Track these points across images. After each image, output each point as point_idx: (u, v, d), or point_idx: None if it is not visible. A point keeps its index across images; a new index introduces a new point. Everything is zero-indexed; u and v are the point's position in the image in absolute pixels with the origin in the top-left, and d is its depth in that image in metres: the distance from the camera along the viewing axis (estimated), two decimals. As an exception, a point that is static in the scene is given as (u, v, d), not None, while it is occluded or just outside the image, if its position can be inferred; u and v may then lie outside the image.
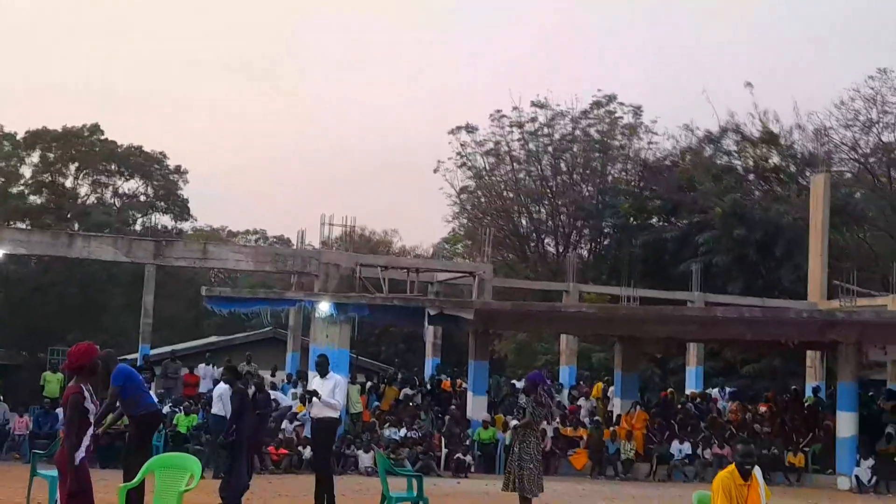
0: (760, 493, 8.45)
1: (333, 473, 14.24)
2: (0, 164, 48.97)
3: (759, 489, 8.46)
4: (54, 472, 11.57)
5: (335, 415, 14.44)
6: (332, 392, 15.90)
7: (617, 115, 50.78)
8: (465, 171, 52.31)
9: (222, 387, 18.11)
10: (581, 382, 32.73)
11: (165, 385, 25.81)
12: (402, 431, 24.68)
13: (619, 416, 27.34)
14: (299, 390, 24.91)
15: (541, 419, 12.57)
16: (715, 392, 31.51)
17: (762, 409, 29.46)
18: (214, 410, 18.17)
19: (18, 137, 50.03)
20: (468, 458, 24.32)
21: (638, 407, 27.13)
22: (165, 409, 22.12)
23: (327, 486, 13.70)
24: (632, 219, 46.34)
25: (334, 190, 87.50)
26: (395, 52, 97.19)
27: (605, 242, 49.60)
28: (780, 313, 28.85)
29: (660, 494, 20.91)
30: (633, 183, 50.16)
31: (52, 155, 49.42)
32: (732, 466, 8.56)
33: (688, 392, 32.47)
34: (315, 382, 14.54)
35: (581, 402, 29.51)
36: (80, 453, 8.11)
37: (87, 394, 8.20)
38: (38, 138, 49.54)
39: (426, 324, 28.45)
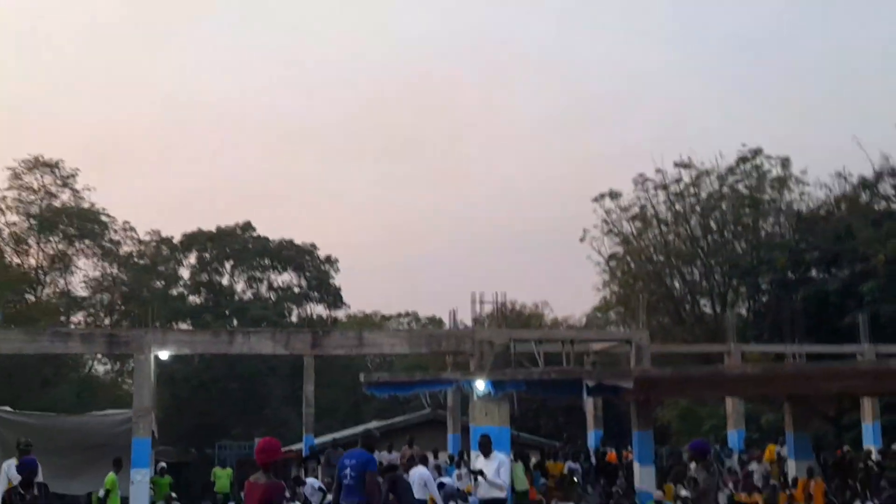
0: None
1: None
2: (160, 268, 50.91)
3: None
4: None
5: (502, 495, 14.24)
6: (496, 471, 15.76)
7: (764, 168, 49.68)
8: (612, 237, 51.84)
9: (421, 471, 18.05)
10: (751, 446, 31.61)
11: (329, 473, 25.94)
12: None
13: (794, 478, 26.21)
14: (464, 471, 24.73)
15: (714, 487, 12.05)
16: (898, 448, 29.98)
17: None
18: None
19: (175, 241, 52.10)
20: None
21: (816, 475, 25.92)
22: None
23: None
24: (790, 273, 44.92)
25: (483, 267, 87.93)
26: (535, 124, 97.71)
27: (764, 299, 48.11)
28: (959, 360, 27.34)
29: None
30: (787, 236, 48.73)
31: (207, 255, 51.15)
32: None
33: (866, 449, 30.98)
34: (479, 462, 14.37)
35: (753, 465, 28.40)
36: None
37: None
38: (193, 240, 51.50)
39: (584, 396, 28.01)
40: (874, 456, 29.46)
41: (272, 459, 8.40)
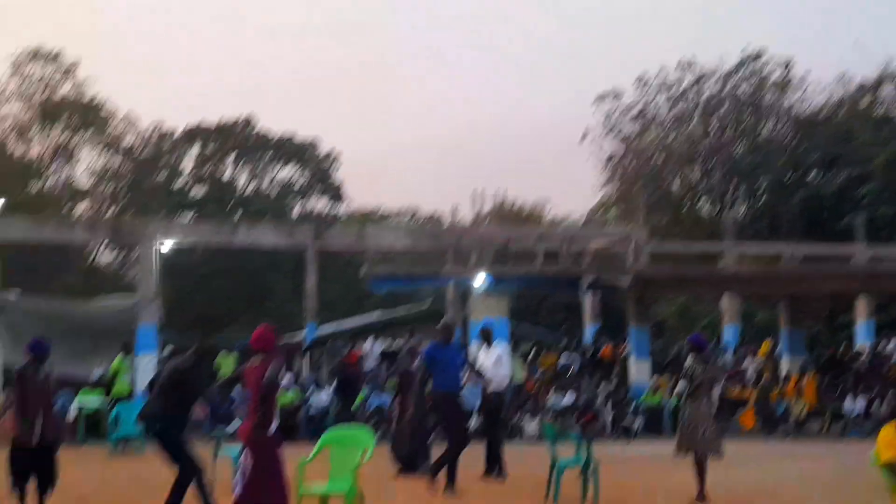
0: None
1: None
2: (163, 160, 50.99)
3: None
4: (235, 451, 12.08)
5: (501, 386, 14.71)
6: (496, 362, 16.25)
7: (766, 70, 49.38)
8: (613, 137, 51.80)
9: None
10: (745, 343, 32.14)
11: (331, 363, 26.51)
12: (567, 398, 24.79)
13: (787, 374, 26.83)
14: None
15: (709, 381, 12.41)
16: (892, 344, 30.54)
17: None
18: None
19: (178, 134, 52.07)
20: (635, 423, 24.31)
21: (808, 371, 26.50)
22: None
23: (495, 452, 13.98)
24: (788, 175, 45.08)
25: (484, 165, 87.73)
26: (533, 20, 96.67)
27: (762, 201, 48.35)
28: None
29: (835, 451, 20.46)
30: (787, 139, 48.74)
31: (210, 148, 51.15)
32: None
33: (858, 347, 31.56)
34: (480, 354, 14.77)
35: (747, 362, 29.00)
36: (273, 426, 8.37)
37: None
38: (196, 133, 51.41)
39: (582, 292, 28.49)
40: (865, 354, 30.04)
41: (269, 347, 8.63)
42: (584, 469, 12.21)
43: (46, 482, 10.48)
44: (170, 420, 9.44)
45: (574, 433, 20.97)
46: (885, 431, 8.32)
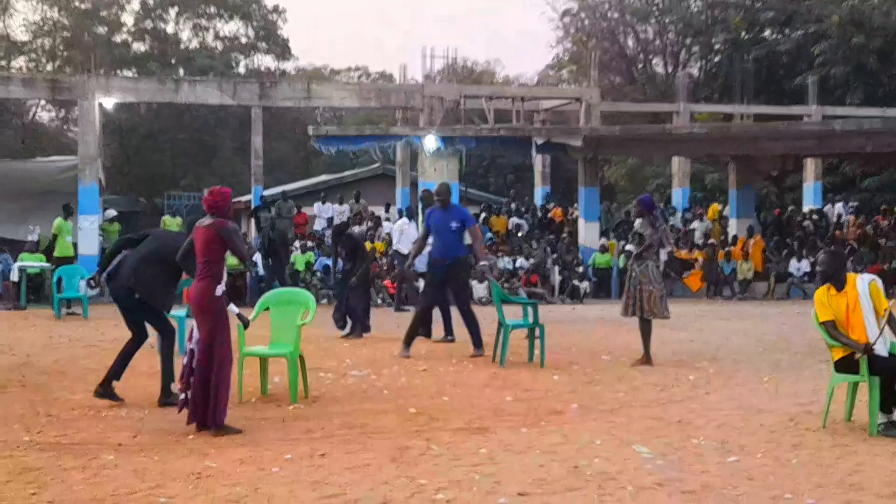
0: (861, 301, 8.27)
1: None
2: (103, 13, 49.21)
3: (858, 295, 8.30)
4: (181, 312, 11.86)
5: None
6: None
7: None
8: (568, -8, 50.73)
9: (404, 222, 18.93)
10: (695, 205, 32.25)
11: (280, 225, 26.18)
12: (517, 261, 24.75)
13: (734, 236, 26.95)
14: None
15: (657, 241, 12.31)
16: (838, 207, 30.77)
17: (882, 223, 28.72)
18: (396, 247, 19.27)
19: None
20: (583, 285, 24.37)
21: (755, 234, 26.62)
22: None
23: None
24: (743, 33, 44.53)
25: (434, 22, 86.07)
26: None
27: (716, 60, 47.81)
28: (902, 123, 27.68)
29: (779, 312, 20.70)
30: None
31: (151, 1, 49.46)
32: None
33: (806, 209, 31.78)
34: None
35: (695, 224, 29.10)
36: (222, 287, 8.16)
37: None
38: (137, -16, 49.60)
39: (534, 153, 28.22)
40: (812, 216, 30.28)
41: (222, 204, 8.31)
42: (531, 331, 12.28)
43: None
44: (161, 289, 9.23)
45: (521, 296, 21.04)
46: (819, 293, 8.39)
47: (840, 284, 8.42)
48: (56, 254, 20.83)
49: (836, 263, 8.61)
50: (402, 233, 20.49)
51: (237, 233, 8.27)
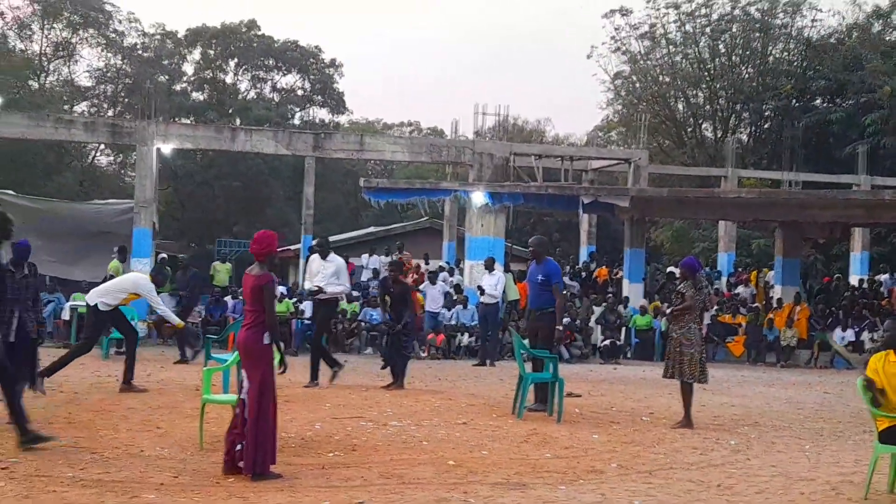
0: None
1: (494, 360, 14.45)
2: (164, 62, 50.39)
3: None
4: (226, 357, 12.14)
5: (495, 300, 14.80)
6: (494, 286, 17.02)
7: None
8: (620, 55, 51.14)
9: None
10: (740, 269, 32.19)
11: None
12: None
13: (779, 299, 26.81)
14: (456, 279, 25.48)
15: (700, 304, 12.38)
16: (884, 278, 30.56)
17: (932, 295, 28.49)
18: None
19: (180, 35, 51.41)
20: (625, 346, 24.42)
21: (801, 300, 26.49)
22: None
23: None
24: (794, 101, 44.60)
25: (488, 79, 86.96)
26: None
27: (766, 126, 47.94)
28: (953, 196, 27.51)
29: (822, 381, 20.59)
30: (795, 63, 48.12)
31: (212, 52, 50.56)
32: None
33: (854, 279, 31.59)
34: (484, 277, 14.91)
35: (740, 289, 29.05)
36: (267, 337, 8.31)
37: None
38: (198, 36, 50.78)
39: (581, 211, 28.43)
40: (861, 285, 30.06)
41: (267, 251, 8.46)
42: (550, 385, 12.43)
43: (24, 377, 10.49)
44: None
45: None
46: (877, 356, 8.37)
47: None
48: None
49: None
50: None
51: (273, 289, 8.38)
